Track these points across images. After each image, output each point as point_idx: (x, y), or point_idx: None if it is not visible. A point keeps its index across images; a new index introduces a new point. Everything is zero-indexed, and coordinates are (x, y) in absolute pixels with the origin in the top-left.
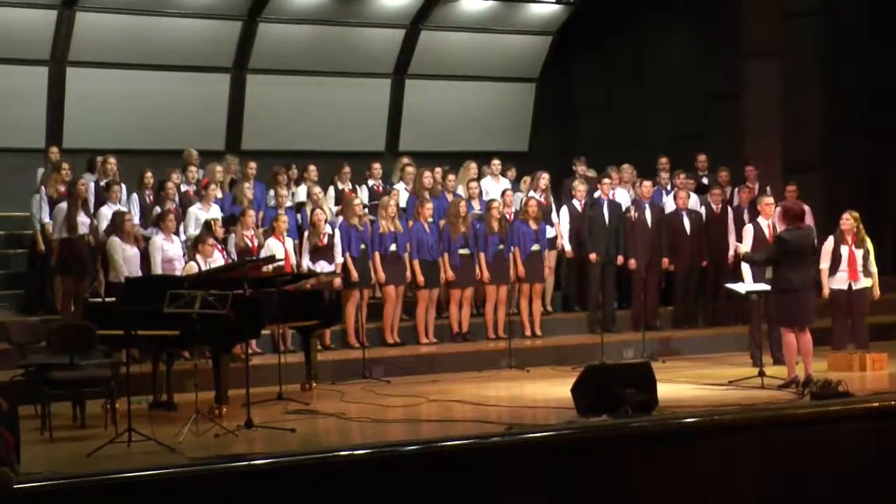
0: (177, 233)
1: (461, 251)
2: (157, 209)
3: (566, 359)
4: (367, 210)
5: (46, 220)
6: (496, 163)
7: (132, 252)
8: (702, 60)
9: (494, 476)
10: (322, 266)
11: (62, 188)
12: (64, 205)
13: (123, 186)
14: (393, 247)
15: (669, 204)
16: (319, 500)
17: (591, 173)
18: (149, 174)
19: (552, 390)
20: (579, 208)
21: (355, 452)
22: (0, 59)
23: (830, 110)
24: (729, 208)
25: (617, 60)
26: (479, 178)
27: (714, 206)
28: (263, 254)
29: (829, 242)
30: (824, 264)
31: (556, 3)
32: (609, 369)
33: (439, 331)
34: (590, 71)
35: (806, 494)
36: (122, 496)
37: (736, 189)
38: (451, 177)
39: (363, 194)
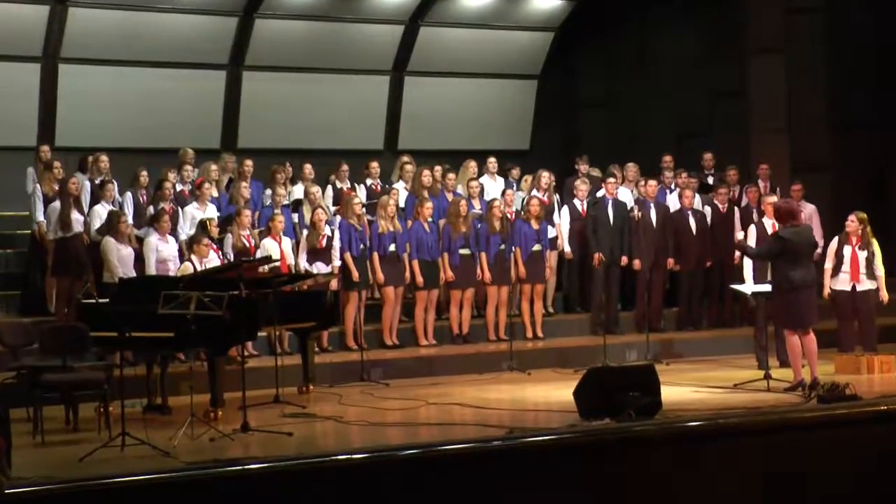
0: (172, 233)
1: (462, 251)
2: (152, 208)
3: (568, 361)
4: (365, 209)
5: (41, 218)
6: (492, 161)
7: (127, 252)
8: (706, 57)
9: (495, 480)
10: (319, 267)
11: (55, 187)
12: (57, 203)
13: (115, 185)
14: (392, 247)
15: (673, 203)
16: None
17: (596, 172)
18: (143, 173)
19: (554, 393)
20: (580, 208)
21: (353, 457)
22: None
23: (837, 108)
24: (736, 208)
25: (620, 57)
26: (479, 177)
27: (720, 206)
28: (260, 254)
29: (834, 243)
30: (828, 264)
31: None
32: (612, 372)
33: (439, 332)
34: (592, 68)
35: (812, 499)
36: (116, 501)
37: (745, 188)
38: (450, 175)
39: (361, 193)
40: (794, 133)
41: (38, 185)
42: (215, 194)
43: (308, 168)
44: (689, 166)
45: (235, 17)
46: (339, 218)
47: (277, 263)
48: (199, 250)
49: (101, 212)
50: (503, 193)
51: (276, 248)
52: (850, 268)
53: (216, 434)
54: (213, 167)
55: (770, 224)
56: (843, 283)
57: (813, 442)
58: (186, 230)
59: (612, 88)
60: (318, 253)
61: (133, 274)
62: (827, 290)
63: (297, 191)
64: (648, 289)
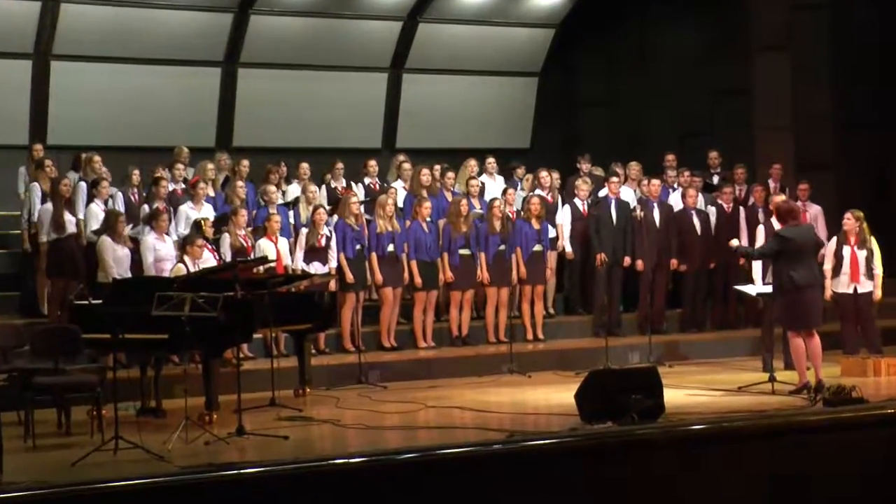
0: (169, 232)
1: (461, 251)
2: (146, 208)
3: (569, 363)
4: (363, 209)
5: (34, 219)
6: (491, 161)
7: (123, 253)
8: (709, 54)
9: (495, 485)
10: (316, 267)
11: (47, 186)
12: (49, 205)
13: (109, 183)
14: (390, 247)
15: (677, 203)
16: None
17: (598, 171)
18: (136, 172)
19: (555, 396)
20: (582, 208)
21: (351, 461)
22: None
23: (842, 106)
24: (741, 208)
25: (621, 54)
26: (479, 176)
27: (725, 206)
28: (255, 255)
29: (833, 243)
30: (827, 265)
31: None
32: (614, 374)
33: (438, 334)
34: (593, 65)
35: (818, 503)
36: None
37: (751, 188)
38: (449, 174)
39: (360, 192)
40: (797, 132)
41: (34, 185)
42: (211, 194)
43: (305, 167)
44: (692, 165)
45: (230, 13)
46: (335, 217)
47: (273, 264)
48: (193, 251)
49: (96, 211)
50: (504, 192)
51: (272, 249)
52: (850, 268)
53: (211, 438)
54: (210, 166)
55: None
56: (843, 285)
57: (818, 445)
58: (181, 230)
59: (613, 86)
60: (317, 252)
61: (129, 275)
62: (829, 293)
63: (293, 190)
64: (651, 290)
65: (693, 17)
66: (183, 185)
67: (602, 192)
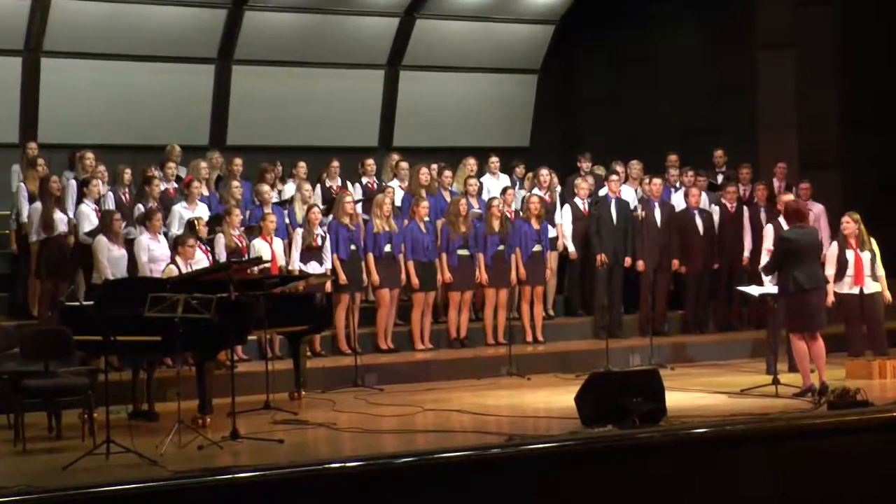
0: (161, 232)
1: (460, 252)
2: (140, 207)
3: (569, 366)
4: (360, 209)
5: (24, 219)
6: (494, 160)
7: (119, 253)
8: (712, 51)
9: (494, 489)
10: (313, 267)
11: (34, 186)
12: (38, 204)
13: (101, 182)
14: (387, 247)
15: (679, 202)
16: None
17: (600, 170)
18: (127, 171)
19: (555, 399)
20: (582, 207)
21: (347, 465)
22: None
23: (848, 104)
24: (745, 208)
25: (623, 51)
26: (477, 175)
27: (728, 206)
28: (250, 255)
29: (834, 248)
30: (830, 270)
31: None
32: (615, 377)
33: (436, 336)
34: (594, 62)
35: None
36: None
37: (758, 187)
38: (447, 173)
39: (357, 192)
40: (802, 130)
41: (21, 185)
42: (205, 193)
43: (302, 166)
44: (694, 164)
45: (224, 9)
46: (329, 217)
47: (268, 265)
48: (184, 251)
49: (87, 211)
50: (503, 192)
51: (267, 249)
52: (855, 271)
53: (204, 442)
54: (203, 165)
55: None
56: (848, 286)
57: (823, 449)
58: (175, 230)
59: (614, 84)
60: (314, 252)
61: (125, 276)
62: (831, 297)
63: (289, 189)
64: (653, 291)
65: (696, 14)
66: (175, 185)
67: (602, 192)
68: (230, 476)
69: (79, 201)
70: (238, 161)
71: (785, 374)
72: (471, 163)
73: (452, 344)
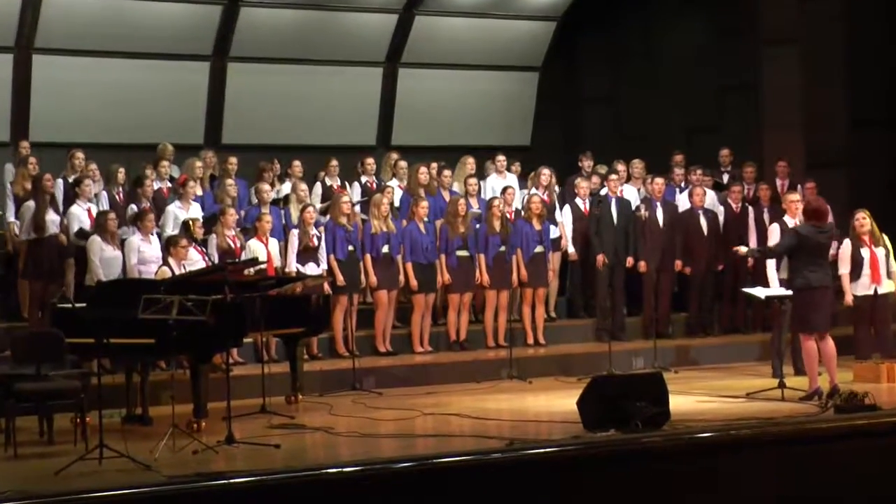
0: (153, 233)
1: (459, 253)
2: (133, 207)
3: (571, 369)
4: (358, 209)
5: (11, 219)
6: (501, 158)
7: (113, 254)
8: (716, 48)
9: (494, 495)
10: (311, 268)
11: (29, 185)
12: (31, 203)
13: (93, 182)
14: (385, 248)
15: (684, 202)
16: None
17: (602, 170)
18: (121, 170)
19: (556, 403)
20: (583, 207)
21: (344, 470)
22: None
23: (855, 101)
24: (750, 207)
25: (625, 48)
26: (477, 175)
27: (733, 205)
28: (245, 256)
29: (847, 246)
30: (844, 269)
31: None
32: (617, 380)
33: (435, 339)
34: (596, 59)
35: None
36: None
37: (761, 186)
38: (446, 173)
39: (356, 191)
40: (808, 128)
41: (9, 184)
42: (200, 193)
43: (297, 165)
44: (698, 163)
45: (220, 5)
46: (326, 218)
47: (264, 266)
48: (177, 252)
49: (78, 212)
50: (503, 191)
51: (263, 250)
52: (871, 269)
53: (199, 446)
54: (198, 164)
55: (793, 223)
56: (864, 287)
57: (830, 454)
58: (169, 230)
59: (616, 81)
60: (311, 253)
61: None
62: (849, 297)
63: (286, 189)
64: (656, 292)
65: (700, 10)
66: (169, 184)
67: (604, 191)
68: (225, 481)
69: (69, 201)
70: (233, 160)
71: (791, 377)
72: (470, 162)
73: (452, 347)
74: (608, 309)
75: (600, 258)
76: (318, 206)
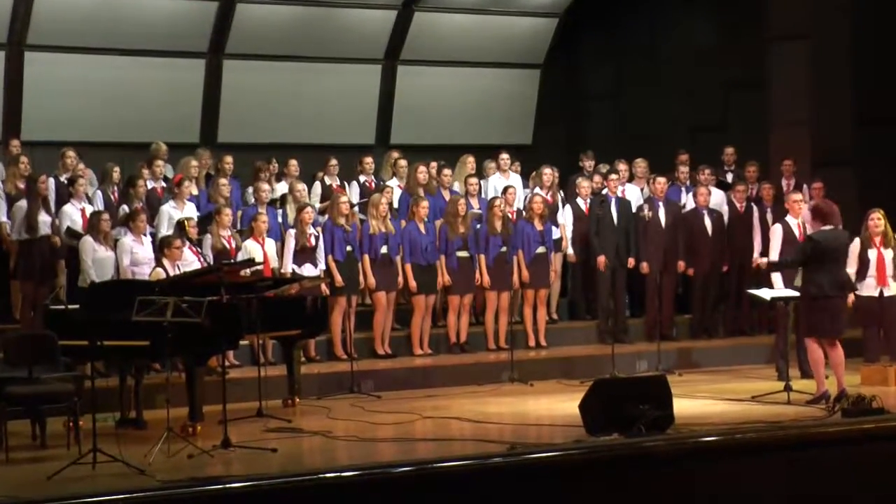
0: (146, 234)
1: (459, 254)
2: (125, 208)
3: (574, 372)
4: (356, 209)
5: (3, 218)
6: (505, 157)
7: (105, 255)
8: (722, 44)
9: (495, 500)
10: (308, 269)
11: (21, 184)
12: (23, 203)
13: (87, 182)
14: (384, 249)
15: (690, 202)
16: None
17: (604, 169)
18: (115, 169)
19: (558, 406)
20: (584, 208)
21: (342, 474)
22: None
23: (865, 99)
24: (755, 207)
25: (629, 45)
26: (477, 174)
27: (737, 205)
28: (241, 257)
29: (856, 245)
30: (851, 269)
31: None
32: (621, 383)
33: (435, 341)
34: (599, 56)
35: None
36: None
37: (764, 186)
38: (447, 172)
39: (354, 191)
40: (817, 127)
41: (0, 183)
42: (195, 192)
43: (294, 164)
44: (703, 162)
45: (215, 1)
46: (324, 218)
47: (260, 267)
48: (171, 253)
49: (71, 211)
50: (504, 191)
51: (259, 250)
52: (877, 271)
53: (195, 450)
54: (194, 163)
55: (796, 223)
56: (869, 288)
57: (837, 458)
58: (164, 231)
59: (620, 79)
60: (307, 253)
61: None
62: (851, 298)
63: (283, 188)
64: (659, 294)
65: (705, 5)
66: (163, 184)
67: (605, 191)
68: (221, 486)
69: (61, 201)
70: (228, 159)
71: (797, 380)
72: (469, 161)
73: (452, 349)
74: (610, 310)
75: (601, 260)
76: (318, 205)
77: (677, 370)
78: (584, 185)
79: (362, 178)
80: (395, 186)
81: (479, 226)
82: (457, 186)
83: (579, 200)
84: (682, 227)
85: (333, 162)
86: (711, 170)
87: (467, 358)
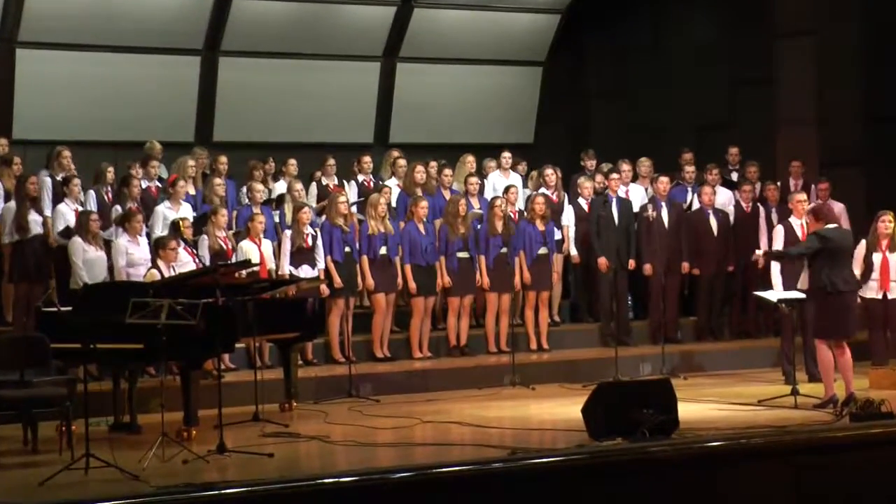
0: (142, 234)
1: (459, 254)
2: (118, 208)
3: (576, 375)
4: (355, 209)
5: None
6: (507, 155)
7: (96, 255)
8: (727, 41)
9: None
10: (305, 270)
11: (10, 185)
12: (11, 204)
13: (79, 181)
14: (383, 250)
15: (696, 202)
16: None
17: (606, 168)
18: (109, 169)
19: (560, 410)
20: (586, 208)
21: (340, 480)
22: None
23: (873, 97)
24: (761, 207)
25: (632, 41)
26: (478, 174)
27: (743, 205)
28: (237, 258)
29: (862, 247)
30: (856, 271)
31: None
32: (624, 387)
33: (435, 344)
34: (602, 53)
35: None
36: None
37: (768, 186)
38: (446, 171)
39: (352, 191)
40: (824, 125)
41: None
42: (192, 192)
43: (292, 163)
44: (709, 161)
45: None
46: (322, 218)
47: (257, 268)
48: (166, 254)
49: (65, 211)
50: (506, 191)
51: (256, 251)
52: (881, 275)
53: (190, 455)
54: (190, 163)
55: (799, 224)
56: (872, 290)
57: (846, 464)
58: (159, 231)
59: (623, 76)
60: (305, 254)
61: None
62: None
63: (281, 188)
64: (663, 296)
65: (710, 1)
66: (158, 184)
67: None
68: (217, 492)
69: (57, 200)
70: (223, 159)
71: (804, 384)
72: (469, 160)
73: (452, 352)
74: (613, 313)
75: (603, 261)
76: (315, 206)
77: (682, 373)
78: (585, 184)
79: (360, 178)
80: (393, 186)
81: (479, 226)
82: (456, 186)
83: (581, 200)
84: (687, 227)
85: (331, 161)
86: (719, 169)
87: (467, 361)
